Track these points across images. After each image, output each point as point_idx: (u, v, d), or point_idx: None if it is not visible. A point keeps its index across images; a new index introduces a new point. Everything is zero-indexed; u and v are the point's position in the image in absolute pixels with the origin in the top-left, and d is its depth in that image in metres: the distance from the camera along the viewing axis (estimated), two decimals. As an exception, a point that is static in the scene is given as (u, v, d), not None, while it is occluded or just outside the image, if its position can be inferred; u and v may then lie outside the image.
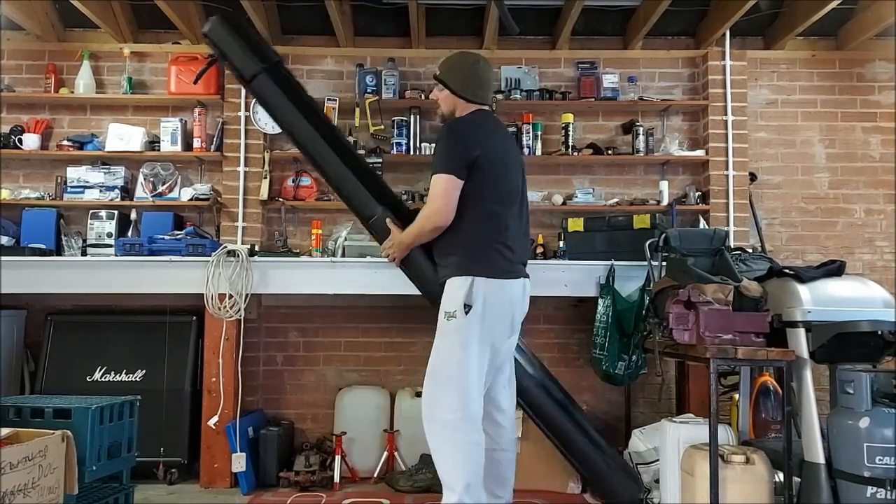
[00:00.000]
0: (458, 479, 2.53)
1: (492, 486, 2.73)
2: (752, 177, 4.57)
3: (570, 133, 4.48)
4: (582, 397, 4.07)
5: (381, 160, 4.35)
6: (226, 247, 3.88)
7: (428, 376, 2.67)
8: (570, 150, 4.47)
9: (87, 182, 4.43)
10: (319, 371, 4.50)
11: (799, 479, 2.97)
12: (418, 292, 3.00)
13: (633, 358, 3.73)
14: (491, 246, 2.66)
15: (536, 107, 4.55)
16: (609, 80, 4.58)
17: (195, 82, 4.36)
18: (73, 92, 4.49)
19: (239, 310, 3.87)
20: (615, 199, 4.52)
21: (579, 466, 3.39)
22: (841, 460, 2.80)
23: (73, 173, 4.45)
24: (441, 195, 2.62)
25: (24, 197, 4.45)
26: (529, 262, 2.87)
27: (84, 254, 4.30)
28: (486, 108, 2.87)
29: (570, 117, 4.49)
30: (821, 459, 2.87)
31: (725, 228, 4.28)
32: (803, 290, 3.10)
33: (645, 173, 4.66)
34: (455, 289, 2.62)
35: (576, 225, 4.24)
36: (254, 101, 4.35)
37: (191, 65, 4.43)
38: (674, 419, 3.26)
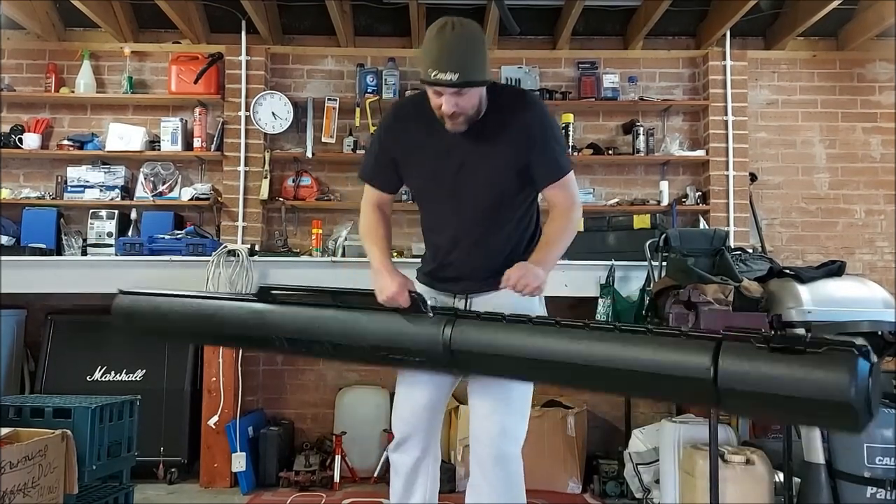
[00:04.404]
0: None
1: None
2: (753, 177, 4.56)
3: (571, 133, 4.48)
4: (582, 397, 4.07)
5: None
6: (226, 246, 3.88)
7: (508, 402, 2.05)
8: (570, 150, 4.47)
9: (88, 182, 4.43)
10: (319, 371, 4.49)
11: (799, 480, 2.97)
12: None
13: (633, 358, 3.72)
14: None
15: (537, 107, 4.54)
16: (609, 80, 4.57)
17: (196, 82, 4.42)
18: (73, 91, 4.49)
19: (239, 309, 3.86)
20: (615, 200, 4.52)
21: None
22: (841, 460, 2.79)
23: (74, 173, 4.44)
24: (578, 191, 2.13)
25: (25, 196, 4.45)
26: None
27: (84, 253, 4.29)
28: None
29: (570, 117, 4.49)
30: (821, 460, 2.87)
31: (725, 228, 4.27)
32: (803, 291, 3.10)
33: (645, 173, 4.66)
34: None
35: (576, 225, 4.23)
36: (254, 100, 4.35)
37: (191, 64, 4.43)
38: (674, 419, 3.26)
